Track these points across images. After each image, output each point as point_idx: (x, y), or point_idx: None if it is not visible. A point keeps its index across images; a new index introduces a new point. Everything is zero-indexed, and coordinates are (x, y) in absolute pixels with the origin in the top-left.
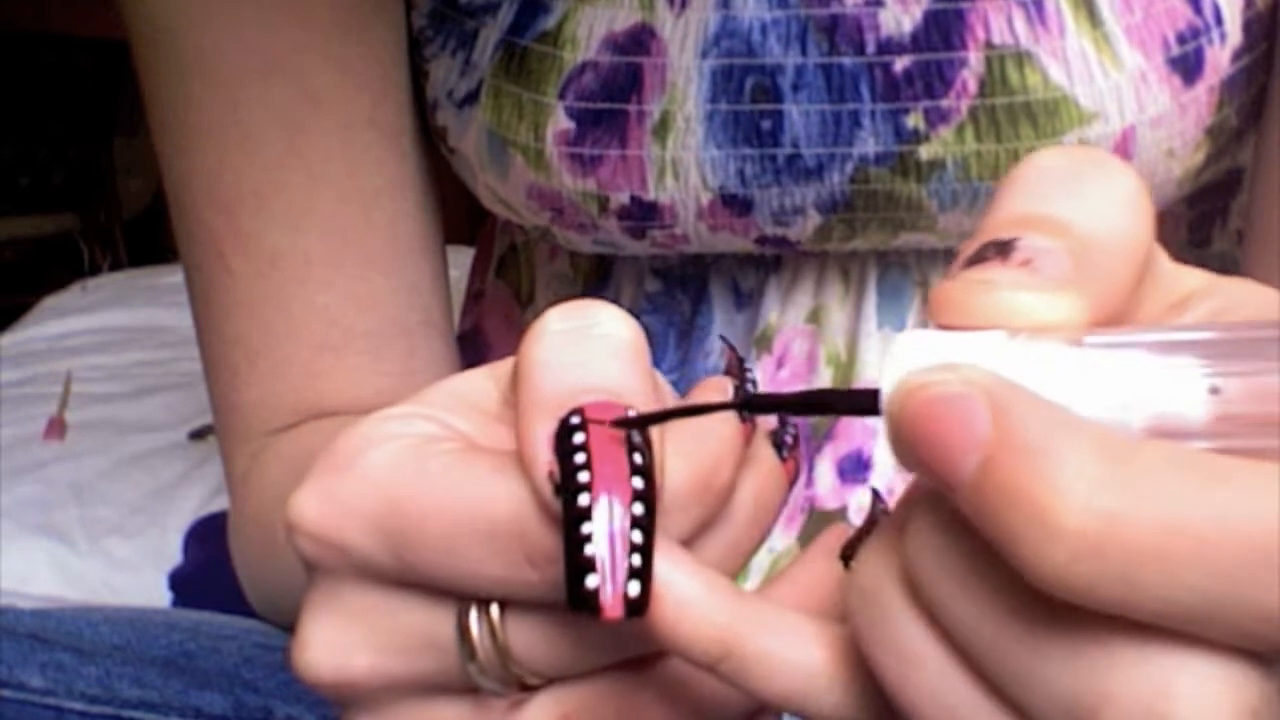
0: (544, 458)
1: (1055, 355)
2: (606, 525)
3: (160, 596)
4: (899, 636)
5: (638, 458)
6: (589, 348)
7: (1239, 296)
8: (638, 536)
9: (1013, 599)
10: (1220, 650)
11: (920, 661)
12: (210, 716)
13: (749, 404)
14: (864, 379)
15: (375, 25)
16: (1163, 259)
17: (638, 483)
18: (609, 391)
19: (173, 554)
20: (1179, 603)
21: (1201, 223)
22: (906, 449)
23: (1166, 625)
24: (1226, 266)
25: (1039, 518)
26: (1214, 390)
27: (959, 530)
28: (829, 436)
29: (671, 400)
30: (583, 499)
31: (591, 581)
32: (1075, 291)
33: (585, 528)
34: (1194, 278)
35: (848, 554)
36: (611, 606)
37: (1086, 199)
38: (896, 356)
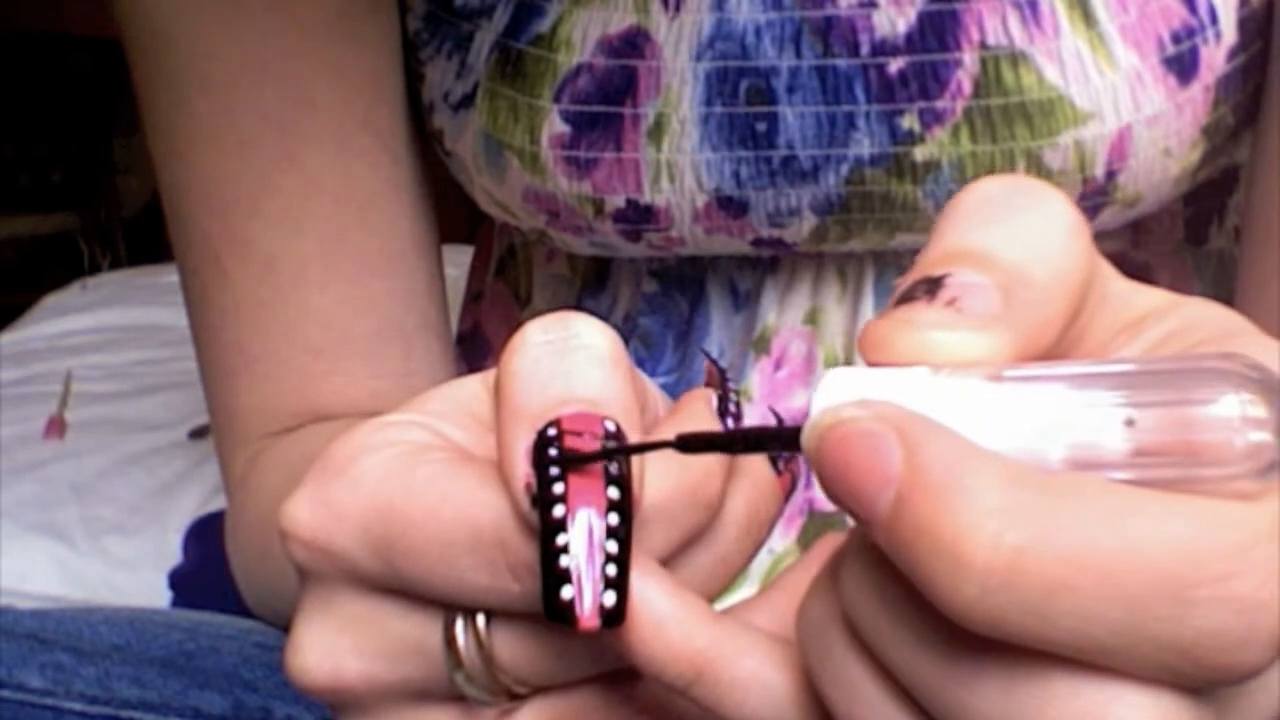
0: (521, 470)
1: (974, 390)
2: (582, 536)
3: (160, 596)
4: (842, 672)
5: (613, 468)
6: (568, 360)
7: (1196, 316)
8: (613, 547)
9: (943, 634)
10: (1150, 680)
11: (863, 696)
12: (209, 716)
13: (684, 444)
14: None
15: (369, 29)
16: (1114, 281)
17: (613, 493)
18: (588, 402)
19: (172, 553)
20: (1090, 635)
21: (1199, 221)
22: (826, 485)
23: (1080, 658)
24: (1224, 264)
25: (948, 554)
26: (1129, 422)
27: (887, 568)
28: None
29: (661, 406)
30: (557, 510)
31: (567, 593)
32: (999, 328)
33: (560, 539)
34: (1149, 298)
35: None
36: (587, 618)
37: (1018, 229)
38: (822, 393)
